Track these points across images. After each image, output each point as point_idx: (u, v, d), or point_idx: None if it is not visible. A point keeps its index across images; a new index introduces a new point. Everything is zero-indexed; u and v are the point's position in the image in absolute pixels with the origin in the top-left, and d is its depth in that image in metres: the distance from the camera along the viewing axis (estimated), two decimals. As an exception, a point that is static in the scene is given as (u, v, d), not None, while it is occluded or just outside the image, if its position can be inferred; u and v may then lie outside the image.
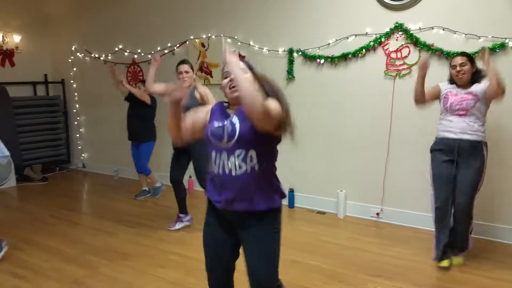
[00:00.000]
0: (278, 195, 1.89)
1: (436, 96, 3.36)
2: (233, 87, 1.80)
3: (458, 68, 3.15)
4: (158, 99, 5.11)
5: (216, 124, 1.83)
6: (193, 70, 3.85)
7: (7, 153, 3.49)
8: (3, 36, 6.44)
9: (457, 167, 3.20)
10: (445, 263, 3.25)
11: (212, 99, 3.71)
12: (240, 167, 1.75)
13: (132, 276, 3.19)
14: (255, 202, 1.79)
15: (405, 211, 4.20)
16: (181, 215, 4.18)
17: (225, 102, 1.95)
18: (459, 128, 3.14)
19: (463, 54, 3.23)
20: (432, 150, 3.35)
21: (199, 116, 1.97)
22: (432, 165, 3.33)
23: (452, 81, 3.28)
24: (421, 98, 3.29)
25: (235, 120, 1.79)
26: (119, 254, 3.61)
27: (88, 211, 5.11)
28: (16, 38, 6.61)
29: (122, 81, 4.90)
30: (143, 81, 5.13)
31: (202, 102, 3.66)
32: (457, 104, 3.15)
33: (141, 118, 5.12)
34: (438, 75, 3.55)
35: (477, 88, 3.13)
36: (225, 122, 1.80)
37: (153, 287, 3.02)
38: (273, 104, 1.71)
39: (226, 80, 1.84)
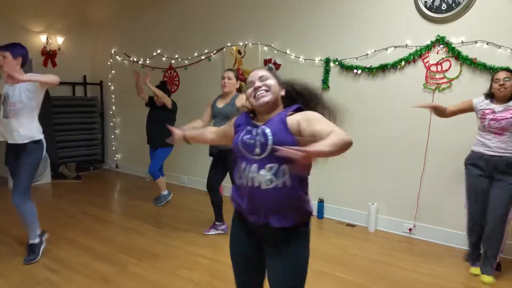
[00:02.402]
0: (307, 212, 1.79)
1: (466, 110, 3.38)
2: (258, 94, 1.76)
3: (501, 82, 3.13)
4: (179, 103, 5.13)
5: (247, 134, 1.76)
6: (237, 79, 3.91)
7: (46, 158, 3.61)
8: (47, 38, 6.69)
9: (491, 183, 3.23)
10: (474, 270, 3.36)
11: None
12: (271, 181, 1.67)
13: (160, 276, 3.21)
14: (283, 218, 1.71)
15: (439, 228, 4.07)
16: (217, 222, 4.18)
17: (251, 113, 1.89)
18: (495, 146, 3.15)
19: (508, 69, 3.23)
20: (466, 164, 3.38)
21: (225, 129, 2.01)
22: (466, 178, 3.39)
23: (488, 95, 3.27)
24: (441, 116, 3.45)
25: (268, 131, 1.69)
26: (148, 254, 3.64)
27: (119, 211, 5.20)
28: (59, 40, 6.87)
29: (146, 80, 4.81)
30: (160, 85, 5.12)
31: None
32: (495, 123, 3.13)
33: (160, 123, 5.05)
34: (481, 90, 3.43)
35: None
36: (257, 133, 1.72)
37: (180, 287, 3.03)
38: (336, 128, 1.62)
39: (250, 90, 1.79)
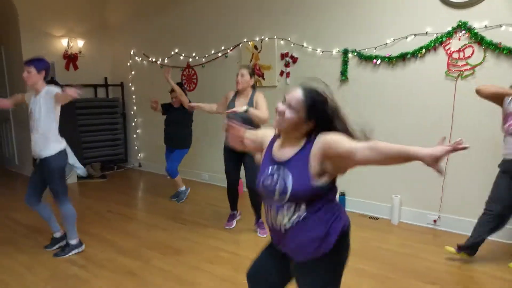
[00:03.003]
0: (333, 233, 1.68)
1: (500, 99, 3.16)
2: (276, 119, 1.69)
3: None
4: (197, 100, 5.11)
5: (267, 179, 1.71)
6: (251, 76, 3.90)
7: (79, 164, 3.75)
8: (68, 42, 6.83)
9: None
10: (450, 249, 3.36)
11: (264, 113, 3.72)
12: (289, 220, 1.66)
13: (183, 270, 3.25)
14: (306, 252, 1.67)
15: (465, 219, 3.96)
16: (234, 212, 4.29)
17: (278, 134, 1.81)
18: None
19: None
20: (500, 168, 3.25)
21: (256, 139, 1.93)
22: (497, 178, 3.26)
23: None
24: (486, 97, 3.17)
25: (287, 174, 1.64)
26: (171, 249, 3.69)
27: (143, 208, 5.27)
28: (80, 43, 7.01)
29: (168, 76, 4.88)
30: (179, 84, 5.13)
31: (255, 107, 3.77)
32: None
33: (179, 124, 5.20)
34: (507, 76, 3.34)
35: None
36: (278, 174, 1.67)
37: (203, 281, 3.06)
38: (352, 145, 1.58)
39: (280, 106, 1.68)
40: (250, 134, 1.96)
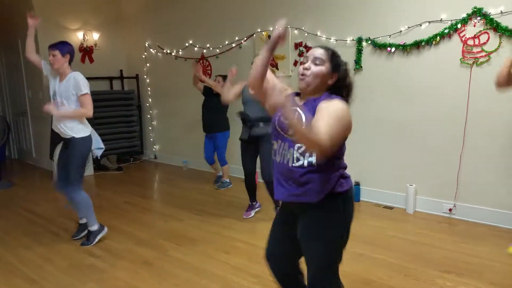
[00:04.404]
0: (337, 191, 1.75)
1: None
2: (301, 76, 1.76)
3: None
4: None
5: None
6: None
7: (102, 145, 3.83)
8: (84, 34, 6.91)
9: None
10: None
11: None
12: (298, 159, 1.71)
13: (199, 259, 3.30)
14: (308, 195, 1.72)
15: (482, 208, 3.94)
16: (253, 203, 4.35)
17: (297, 93, 1.90)
18: None
19: None
20: None
21: (277, 87, 1.84)
22: None
23: None
24: (503, 83, 3.02)
25: (300, 112, 1.68)
26: (187, 239, 3.74)
27: (159, 199, 5.35)
28: (95, 36, 7.08)
29: (200, 73, 5.13)
30: (224, 76, 5.26)
31: None
32: None
33: (215, 111, 5.35)
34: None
35: None
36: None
37: (218, 270, 3.10)
38: (322, 129, 1.52)
39: (301, 66, 1.79)
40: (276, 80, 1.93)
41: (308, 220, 1.79)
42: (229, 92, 4.11)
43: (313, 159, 1.70)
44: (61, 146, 3.69)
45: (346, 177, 1.82)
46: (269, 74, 1.88)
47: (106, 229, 3.79)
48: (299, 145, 1.71)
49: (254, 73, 1.80)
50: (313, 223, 1.78)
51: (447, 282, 2.84)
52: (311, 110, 1.70)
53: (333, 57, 1.77)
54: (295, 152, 1.72)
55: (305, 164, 1.70)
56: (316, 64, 1.74)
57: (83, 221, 3.82)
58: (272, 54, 1.76)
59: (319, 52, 1.75)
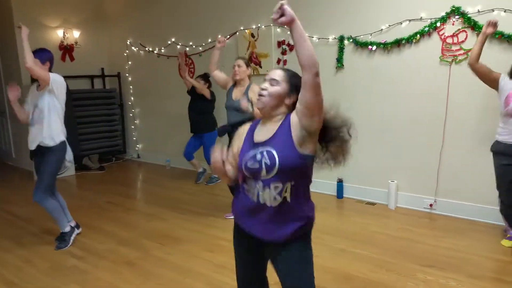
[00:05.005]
0: (308, 219, 1.78)
1: (491, 80, 3.20)
2: (259, 95, 1.73)
3: None
4: (217, 93, 5.28)
5: (251, 160, 1.71)
6: (247, 66, 3.93)
7: (72, 158, 3.73)
8: (64, 32, 6.80)
9: None
10: (507, 243, 3.32)
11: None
12: (275, 198, 1.68)
13: (182, 259, 3.29)
14: (282, 232, 1.72)
15: (461, 203, 4.02)
16: None
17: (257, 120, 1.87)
18: None
19: None
20: (493, 152, 3.24)
21: (236, 152, 1.87)
22: (494, 166, 3.25)
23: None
24: (474, 61, 3.17)
25: (273, 152, 1.66)
26: (171, 238, 3.73)
27: (142, 198, 5.32)
28: (76, 34, 6.97)
29: (185, 75, 5.21)
30: (203, 76, 5.30)
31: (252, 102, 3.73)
32: None
33: (201, 112, 5.37)
34: (499, 60, 3.35)
35: None
36: (261, 154, 1.68)
37: (202, 269, 3.11)
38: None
39: (260, 87, 1.76)
40: (230, 158, 1.90)
41: (282, 255, 1.78)
42: (215, 67, 4.07)
43: (288, 195, 1.69)
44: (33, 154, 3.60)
45: (312, 208, 1.83)
46: (227, 164, 1.86)
47: (80, 228, 3.74)
48: (276, 184, 1.67)
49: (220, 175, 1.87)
50: (287, 257, 1.77)
51: (428, 276, 2.90)
52: (286, 134, 1.67)
53: (292, 78, 1.74)
54: (271, 191, 1.68)
55: (281, 201, 1.69)
56: (272, 85, 1.73)
57: (67, 229, 3.70)
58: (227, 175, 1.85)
59: (276, 74, 1.75)
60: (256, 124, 1.85)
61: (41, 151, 3.50)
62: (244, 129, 1.90)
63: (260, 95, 1.74)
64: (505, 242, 3.37)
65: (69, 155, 3.65)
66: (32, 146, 3.51)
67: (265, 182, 1.68)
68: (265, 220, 1.73)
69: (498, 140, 3.17)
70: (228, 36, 5.61)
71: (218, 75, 4.09)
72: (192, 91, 5.36)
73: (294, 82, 1.73)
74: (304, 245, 1.80)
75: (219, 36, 4.11)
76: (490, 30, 3.09)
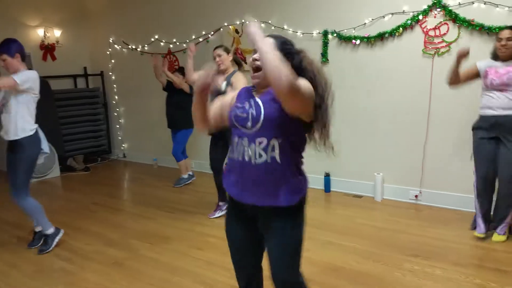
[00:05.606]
0: (299, 190, 1.73)
1: (472, 76, 3.29)
2: (256, 70, 1.69)
3: (503, 42, 3.09)
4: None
5: (240, 106, 1.72)
6: (228, 53, 3.85)
7: (48, 150, 3.58)
8: (44, 32, 6.69)
9: (498, 144, 3.19)
10: (480, 234, 3.35)
11: (238, 87, 3.63)
12: (260, 155, 1.64)
13: (172, 257, 3.28)
14: (273, 196, 1.67)
15: (445, 193, 4.09)
16: (221, 203, 4.19)
17: (253, 86, 1.84)
18: (499, 104, 3.09)
19: (511, 28, 3.12)
20: (473, 128, 3.34)
21: (226, 101, 1.87)
22: (472, 142, 3.34)
23: (494, 55, 3.20)
24: (454, 81, 3.27)
25: (260, 102, 1.67)
26: (159, 237, 3.71)
27: (129, 198, 5.27)
28: (57, 33, 6.86)
29: (164, 69, 5.01)
30: (180, 70, 5.26)
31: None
32: (497, 79, 3.09)
33: (179, 107, 5.23)
34: (480, 51, 3.41)
35: None
36: (250, 104, 1.69)
37: (191, 267, 3.10)
38: (303, 82, 1.58)
39: (251, 59, 1.73)
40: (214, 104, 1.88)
41: (271, 224, 1.74)
42: (193, 73, 4.03)
43: (276, 154, 1.64)
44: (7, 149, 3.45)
45: (305, 181, 1.79)
46: (213, 107, 1.84)
47: (62, 231, 3.65)
48: (260, 139, 1.64)
49: (197, 119, 1.82)
50: (276, 227, 1.73)
51: (414, 266, 2.94)
52: (273, 96, 1.64)
53: (283, 45, 1.70)
54: (256, 147, 1.64)
55: (269, 160, 1.64)
56: None
57: (39, 228, 3.63)
58: (203, 97, 1.74)
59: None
60: (252, 88, 1.83)
61: (11, 145, 3.36)
62: (234, 92, 1.90)
63: (256, 68, 1.68)
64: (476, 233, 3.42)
65: (44, 146, 3.50)
66: (6, 137, 3.36)
67: (250, 137, 1.66)
68: (254, 181, 1.68)
69: (479, 115, 3.28)
70: (212, 33, 5.58)
71: (197, 76, 3.99)
72: (169, 86, 5.24)
73: (286, 50, 1.69)
74: (297, 222, 1.74)
75: (190, 44, 4.06)
76: (462, 59, 3.10)
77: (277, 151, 1.64)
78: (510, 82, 3.03)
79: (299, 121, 1.66)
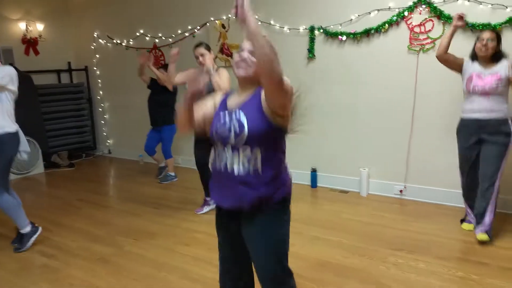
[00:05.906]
0: (283, 189, 1.74)
1: (455, 65, 3.33)
2: (239, 66, 1.69)
3: (484, 42, 3.12)
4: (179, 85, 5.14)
5: (222, 121, 1.70)
6: (210, 50, 3.78)
7: (28, 148, 3.53)
8: (26, 25, 6.55)
9: (481, 145, 3.25)
10: (466, 226, 3.47)
11: (224, 85, 3.57)
12: (243, 166, 1.65)
13: (158, 253, 3.26)
14: (254, 200, 1.67)
15: (429, 188, 4.15)
16: (207, 198, 4.17)
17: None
18: (482, 108, 3.16)
19: (493, 30, 3.21)
20: (457, 132, 3.40)
21: (207, 107, 1.85)
22: (458, 146, 3.40)
23: (474, 56, 3.25)
24: (442, 52, 3.27)
25: (241, 115, 1.65)
26: (145, 233, 3.69)
27: (115, 195, 5.23)
28: (40, 27, 6.73)
29: (150, 64, 4.96)
30: (165, 66, 5.19)
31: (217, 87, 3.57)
32: (479, 86, 3.14)
33: (162, 104, 5.19)
34: (463, 48, 3.44)
35: (501, 69, 3.11)
36: (231, 119, 1.67)
37: (178, 262, 3.09)
38: (285, 78, 1.56)
39: (236, 57, 1.71)
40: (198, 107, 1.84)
41: (257, 224, 1.74)
42: (174, 77, 3.93)
43: (259, 164, 1.65)
44: None
45: (288, 179, 1.80)
46: (197, 111, 1.82)
47: (40, 229, 3.57)
48: (244, 151, 1.65)
49: (182, 123, 1.81)
50: (262, 227, 1.73)
51: (399, 259, 2.98)
52: (256, 104, 1.65)
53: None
54: (240, 158, 1.65)
55: (251, 171, 1.66)
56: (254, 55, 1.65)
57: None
58: (193, 103, 1.74)
59: None
60: (230, 93, 1.83)
61: None
62: (220, 96, 1.88)
63: (244, 61, 1.68)
64: (465, 226, 3.51)
65: (24, 145, 3.45)
66: None
67: (234, 148, 1.66)
68: (234, 189, 1.68)
69: (461, 118, 3.33)
70: (199, 27, 5.55)
71: (179, 77, 3.92)
72: (154, 83, 5.20)
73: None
74: (282, 219, 1.75)
75: (172, 50, 3.92)
76: (459, 23, 3.18)
77: (259, 161, 1.65)
78: (491, 91, 3.10)
79: (280, 125, 1.66)
